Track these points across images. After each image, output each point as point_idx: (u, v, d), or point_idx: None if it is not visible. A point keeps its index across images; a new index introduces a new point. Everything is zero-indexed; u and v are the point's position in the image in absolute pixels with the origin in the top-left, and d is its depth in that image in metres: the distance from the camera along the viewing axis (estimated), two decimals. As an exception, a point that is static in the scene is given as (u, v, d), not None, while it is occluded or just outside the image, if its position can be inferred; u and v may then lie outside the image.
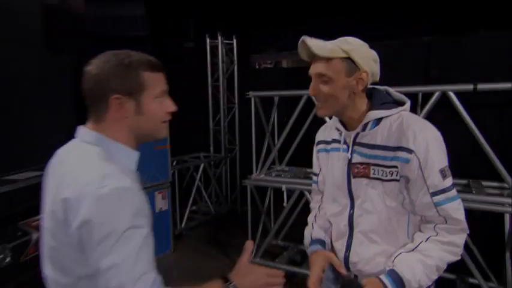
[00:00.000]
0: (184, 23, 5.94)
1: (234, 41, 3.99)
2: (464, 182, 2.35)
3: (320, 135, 1.32)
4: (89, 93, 0.92)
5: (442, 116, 2.23)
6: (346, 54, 1.02)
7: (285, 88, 3.11)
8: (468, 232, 1.07)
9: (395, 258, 1.09)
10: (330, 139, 1.24)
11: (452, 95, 2.16)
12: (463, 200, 2.29)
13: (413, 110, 2.44)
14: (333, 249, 1.29)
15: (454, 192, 1.05)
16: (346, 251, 1.19)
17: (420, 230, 1.13)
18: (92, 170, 0.88)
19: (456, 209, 1.04)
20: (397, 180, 1.07)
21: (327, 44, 1.03)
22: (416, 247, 1.09)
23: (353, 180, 1.14)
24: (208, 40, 3.85)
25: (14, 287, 2.28)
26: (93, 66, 0.91)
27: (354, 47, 1.04)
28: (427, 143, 1.02)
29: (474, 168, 2.32)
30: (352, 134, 1.12)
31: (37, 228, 2.47)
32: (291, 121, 2.75)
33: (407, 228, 1.12)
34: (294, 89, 2.74)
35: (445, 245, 1.05)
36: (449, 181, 1.05)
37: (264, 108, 3.11)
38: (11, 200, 2.32)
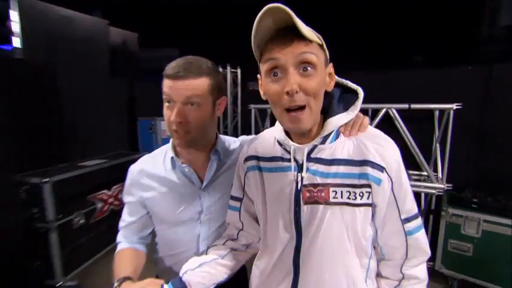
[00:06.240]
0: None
1: (239, 70, 4.17)
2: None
3: (251, 149, 0.76)
4: None
5: (385, 126, 2.44)
6: (320, 41, 0.59)
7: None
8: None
9: None
10: (267, 156, 0.72)
11: (394, 111, 2.38)
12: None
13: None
14: None
15: (420, 217, 0.68)
16: None
17: (379, 272, 0.72)
18: None
19: (424, 236, 0.68)
20: (370, 205, 0.63)
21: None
22: None
23: (303, 208, 0.65)
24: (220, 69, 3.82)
25: (87, 239, 2.41)
26: None
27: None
28: (398, 160, 0.64)
29: (404, 161, 2.47)
30: (306, 148, 0.64)
31: (101, 200, 2.46)
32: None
33: (367, 273, 0.68)
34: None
35: None
36: (415, 204, 0.68)
37: (261, 118, 3.28)
38: (83, 180, 2.42)
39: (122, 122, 3.57)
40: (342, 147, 0.64)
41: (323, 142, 0.64)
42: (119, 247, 0.88)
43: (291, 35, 0.54)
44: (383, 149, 0.62)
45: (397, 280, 0.68)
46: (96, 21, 3.35)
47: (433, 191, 2.31)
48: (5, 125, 1.65)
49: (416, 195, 2.45)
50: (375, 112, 2.49)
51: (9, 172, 1.74)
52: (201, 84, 0.73)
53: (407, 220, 0.64)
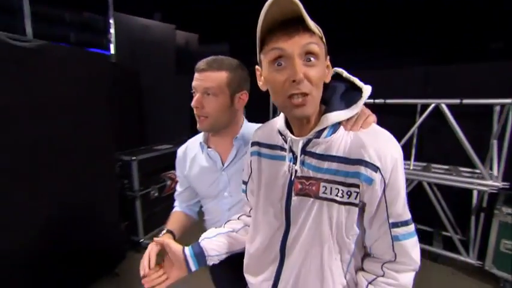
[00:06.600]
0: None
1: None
2: (446, 167, 2.57)
3: (255, 135, 0.81)
4: None
5: (435, 122, 2.39)
6: (321, 34, 0.60)
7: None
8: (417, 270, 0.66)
9: None
10: (269, 143, 0.75)
11: (444, 106, 2.24)
12: (448, 180, 2.36)
13: (413, 118, 2.49)
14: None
15: (413, 225, 0.65)
16: (275, 280, 0.72)
17: (362, 266, 0.70)
18: None
19: (414, 245, 0.65)
20: (356, 205, 0.62)
21: None
22: None
23: (294, 199, 0.67)
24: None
25: (159, 209, 2.87)
26: None
27: None
28: (396, 161, 0.60)
29: (454, 158, 2.48)
30: (301, 141, 0.65)
31: (170, 178, 2.91)
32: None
33: (347, 268, 0.68)
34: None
35: None
36: (408, 212, 0.64)
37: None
38: (157, 161, 2.83)
39: (184, 113, 4.07)
40: (339, 143, 0.62)
41: (318, 136, 0.63)
42: (173, 210, 1.10)
43: (296, 25, 0.54)
44: (380, 148, 0.59)
45: (375, 275, 0.66)
46: (165, 26, 3.87)
47: (485, 189, 2.18)
48: (109, 115, 2.15)
49: (468, 192, 2.38)
50: (424, 107, 2.44)
51: (111, 150, 2.25)
52: (219, 77, 0.81)
53: (396, 225, 0.62)
